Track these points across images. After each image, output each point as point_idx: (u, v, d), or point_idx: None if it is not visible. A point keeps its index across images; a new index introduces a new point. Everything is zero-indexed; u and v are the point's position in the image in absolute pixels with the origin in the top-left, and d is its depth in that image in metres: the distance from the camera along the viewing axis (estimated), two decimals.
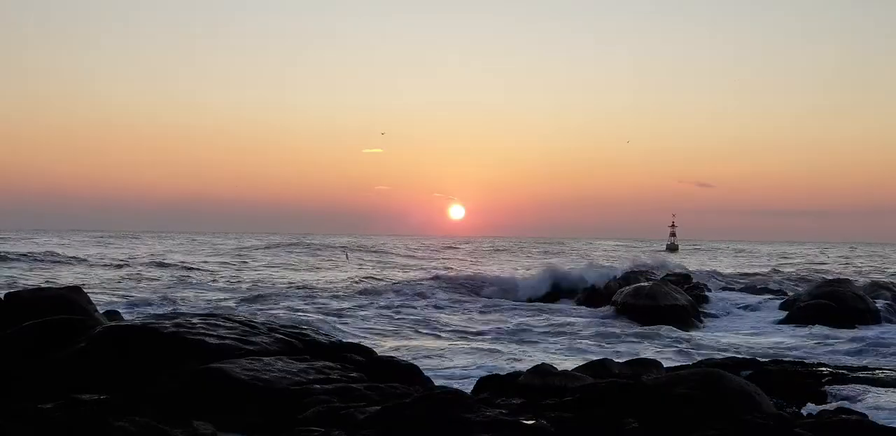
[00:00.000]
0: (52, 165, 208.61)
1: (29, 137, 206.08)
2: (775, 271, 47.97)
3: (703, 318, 24.54)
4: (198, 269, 41.51)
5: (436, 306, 25.43)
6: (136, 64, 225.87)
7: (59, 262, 42.05)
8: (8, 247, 55.43)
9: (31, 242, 75.43)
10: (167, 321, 10.02)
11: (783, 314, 25.23)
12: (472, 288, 30.55)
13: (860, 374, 12.93)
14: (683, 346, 17.62)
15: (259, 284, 33.40)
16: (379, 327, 19.88)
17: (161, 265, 42.79)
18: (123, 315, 16.20)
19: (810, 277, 40.66)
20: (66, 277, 33.19)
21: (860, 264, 66.38)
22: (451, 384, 10.95)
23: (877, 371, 13.45)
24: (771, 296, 30.74)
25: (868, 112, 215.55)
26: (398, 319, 21.69)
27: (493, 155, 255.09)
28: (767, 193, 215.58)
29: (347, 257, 61.25)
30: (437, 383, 10.71)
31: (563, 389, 9.17)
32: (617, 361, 11.50)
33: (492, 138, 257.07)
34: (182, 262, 46.44)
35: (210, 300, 25.71)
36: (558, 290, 30.04)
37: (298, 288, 31.16)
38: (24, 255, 43.63)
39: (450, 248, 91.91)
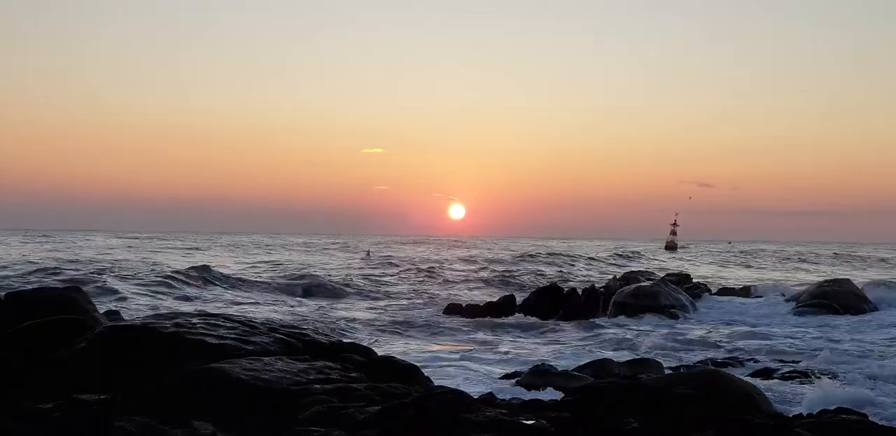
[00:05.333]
0: (52, 166, 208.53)
1: (29, 137, 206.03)
2: None
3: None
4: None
5: None
6: (136, 64, 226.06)
7: None
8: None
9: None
10: (167, 321, 10.01)
11: (783, 312, 25.32)
12: None
13: (858, 374, 12.93)
14: None
15: None
16: None
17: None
18: (123, 315, 16.22)
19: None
20: None
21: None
22: (451, 384, 10.95)
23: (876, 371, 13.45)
24: (772, 296, 30.75)
25: (869, 112, 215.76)
26: None
27: (493, 155, 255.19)
28: (768, 193, 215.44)
29: (370, 255, 61.24)
30: (437, 382, 10.71)
31: (563, 389, 9.18)
32: (617, 360, 11.51)
33: (492, 138, 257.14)
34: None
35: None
36: None
37: None
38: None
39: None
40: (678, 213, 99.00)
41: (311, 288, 33.04)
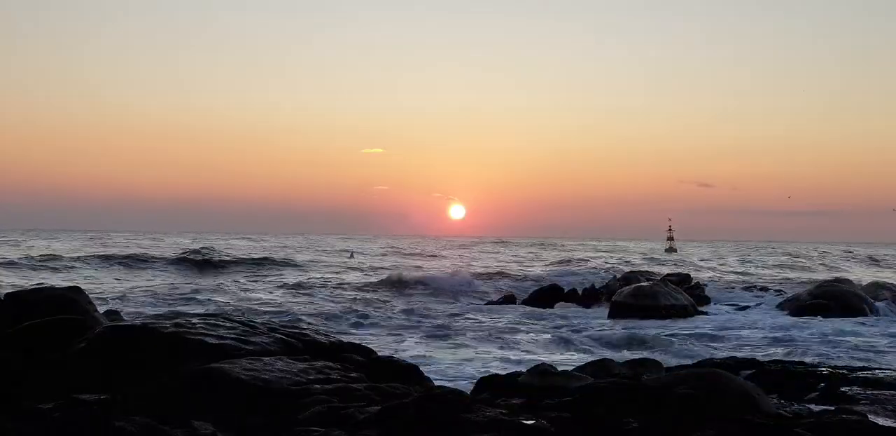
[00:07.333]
0: (52, 165, 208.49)
1: (29, 137, 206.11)
2: None
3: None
4: None
5: None
6: (136, 64, 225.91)
7: None
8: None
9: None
10: (167, 321, 10.02)
11: (783, 312, 25.32)
12: None
13: (860, 374, 12.92)
14: None
15: None
16: None
17: None
18: (123, 315, 16.22)
19: None
20: None
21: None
22: (451, 384, 10.95)
23: (877, 371, 13.44)
24: (772, 296, 30.77)
25: (869, 112, 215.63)
26: None
27: (493, 155, 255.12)
28: (768, 193, 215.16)
29: (353, 256, 61.14)
30: (437, 382, 10.71)
31: (563, 389, 9.16)
32: (617, 360, 11.50)
33: (492, 138, 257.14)
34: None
35: None
36: None
37: None
38: None
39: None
40: (671, 218, 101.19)
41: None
